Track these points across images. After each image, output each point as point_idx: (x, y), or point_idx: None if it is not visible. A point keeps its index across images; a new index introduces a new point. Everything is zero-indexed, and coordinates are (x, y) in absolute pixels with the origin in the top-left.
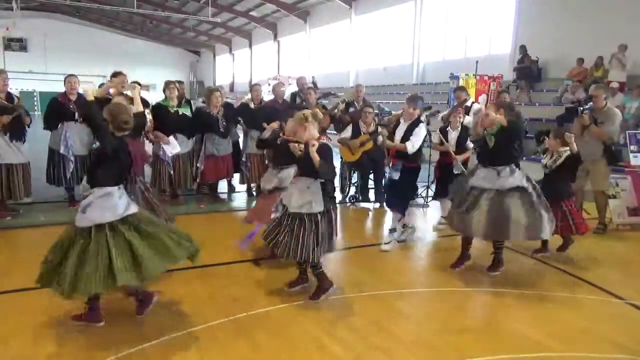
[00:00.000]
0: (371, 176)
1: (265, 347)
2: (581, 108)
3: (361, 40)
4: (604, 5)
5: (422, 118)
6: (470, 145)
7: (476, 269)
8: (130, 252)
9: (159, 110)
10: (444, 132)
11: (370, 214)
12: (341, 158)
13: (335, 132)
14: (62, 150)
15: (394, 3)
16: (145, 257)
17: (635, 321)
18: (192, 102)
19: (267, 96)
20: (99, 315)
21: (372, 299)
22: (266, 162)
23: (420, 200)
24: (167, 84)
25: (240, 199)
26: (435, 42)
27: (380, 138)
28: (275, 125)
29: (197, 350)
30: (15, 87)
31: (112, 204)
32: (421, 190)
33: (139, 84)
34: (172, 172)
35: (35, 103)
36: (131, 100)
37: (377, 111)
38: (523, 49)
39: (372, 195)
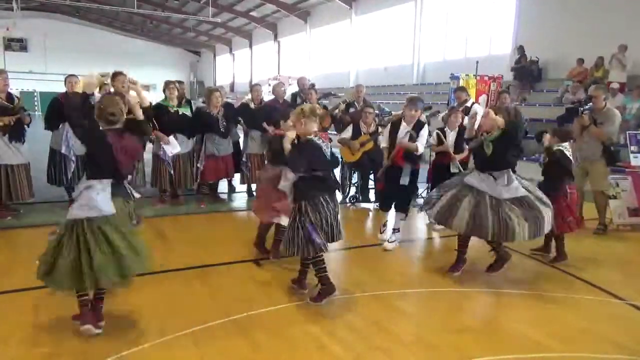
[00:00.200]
0: (371, 176)
1: (266, 347)
2: (581, 108)
3: (361, 41)
4: (604, 5)
5: (422, 118)
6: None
7: (476, 269)
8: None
9: (158, 110)
10: (442, 132)
11: (371, 214)
12: (341, 158)
13: (335, 133)
14: (63, 150)
15: (394, 3)
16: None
17: (635, 321)
18: (192, 102)
19: (267, 96)
20: (92, 318)
21: (373, 299)
22: (266, 162)
23: (420, 201)
24: (167, 84)
25: (240, 199)
26: (435, 42)
27: (380, 138)
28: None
29: (197, 350)
30: (15, 87)
31: (89, 198)
32: (421, 191)
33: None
34: (172, 172)
35: (36, 103)
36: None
37: (377, 111)
38: (521, 49)
39: (372, 195)
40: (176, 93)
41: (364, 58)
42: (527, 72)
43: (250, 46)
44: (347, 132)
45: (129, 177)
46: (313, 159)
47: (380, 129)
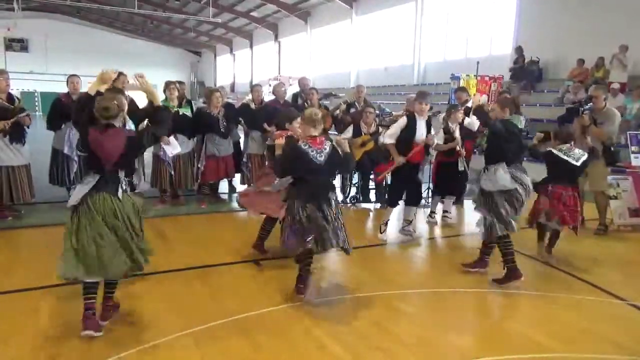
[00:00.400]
0: (371, 177)
1: (266, 347)
2: (582, 108)
3: (362, 41)
4: (604, 5)
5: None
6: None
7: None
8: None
9: None
10: (448, 130)
11: (371, 214)
12: None
13: (336, 133)
14: (66, 151)
15: (395, 3)
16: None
17: (636, 322)
18: (193, 102)
19: (267, 97)
20: (93, 323)
21: (373, 299)
22: (266, 163)
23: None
24: (167, 85)
25: None
26: (436, 42)
27: (384, 136)
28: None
29: (198, 350)
30: (16, 87)
31: (79, 189)
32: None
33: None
34: (172, 172)
35: (36, 103)
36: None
37: (378, 112)
38: (519, 50)
39: (372, 195)
40: (176, 93)
41: (365, 58)
42: (526, 73)
43: (251, 46)
44: (348, 133)
45: (120, 172)
46: (293, 165)
47: (380, 129)
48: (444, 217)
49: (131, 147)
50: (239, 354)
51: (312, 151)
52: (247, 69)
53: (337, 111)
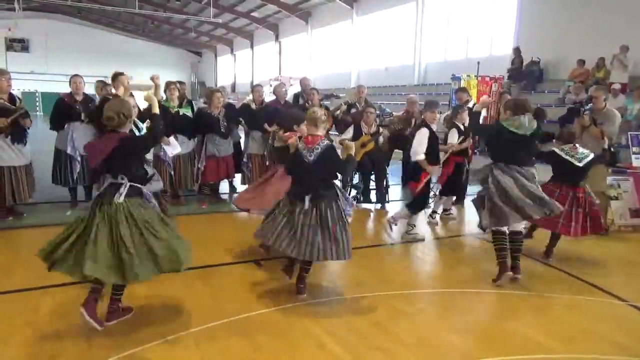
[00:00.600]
0: (372, 177)
1: (266, 347)
2: (582, 109)
3: (363, 41)
4: (604, 6)
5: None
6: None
7: (476, 269)
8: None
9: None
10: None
11: (372, 215)
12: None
13: (336, 133)
14: (69, 151)
15: (396, 4)
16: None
17: (637, 322)
18: (194, 102)
19: (268, 97)
20: (93, 310)
21: (373, 299)
22: (267, 163)
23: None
24: (168, 85)
25: None
26: (436, 42)
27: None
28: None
29: (198, 350)
30: (17, 87)
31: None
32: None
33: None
34: (172, 172)
35: (37, 104)
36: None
37: (378, 112)
38: (517, 51)
39: (372, 196)
40: (177, 94)
41: (365, 58)
42: (525, 74)
43: (252, 47)
44: (348, 133)
45: (121, 176)
46: (290, 163)
47: (381, 130)
48: (446, 215)
49: (122, 152)
50: (239, 354)
51: (304, 150)
52: (247, 69)
53: (338, 112)
